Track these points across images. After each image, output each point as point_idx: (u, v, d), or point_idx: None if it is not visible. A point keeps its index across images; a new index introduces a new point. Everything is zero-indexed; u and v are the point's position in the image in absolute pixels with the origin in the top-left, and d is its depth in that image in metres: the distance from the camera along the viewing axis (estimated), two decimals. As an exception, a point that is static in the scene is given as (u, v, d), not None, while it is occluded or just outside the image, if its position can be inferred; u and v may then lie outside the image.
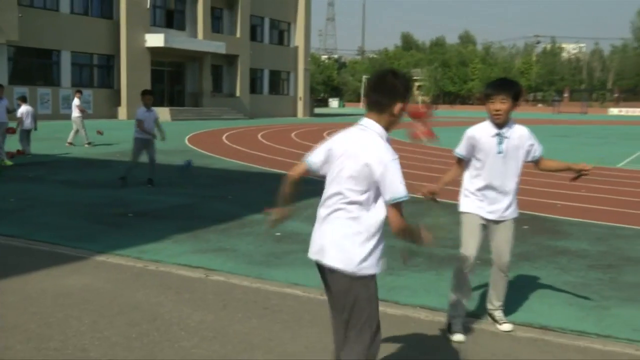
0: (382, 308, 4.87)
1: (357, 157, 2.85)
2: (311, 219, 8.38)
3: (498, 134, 4.29)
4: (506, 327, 4.51)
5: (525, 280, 5.77)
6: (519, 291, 5.40)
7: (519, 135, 4.32)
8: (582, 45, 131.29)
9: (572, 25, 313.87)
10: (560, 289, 5.49)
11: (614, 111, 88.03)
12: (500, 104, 4.22)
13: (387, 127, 2.91)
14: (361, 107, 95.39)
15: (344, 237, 2.88)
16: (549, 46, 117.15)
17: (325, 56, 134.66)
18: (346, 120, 45.48)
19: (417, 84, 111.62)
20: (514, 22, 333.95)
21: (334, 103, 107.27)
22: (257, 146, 20.14)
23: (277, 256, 6.45)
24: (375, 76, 2.92)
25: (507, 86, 4.28)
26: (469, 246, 4.37)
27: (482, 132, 4.33)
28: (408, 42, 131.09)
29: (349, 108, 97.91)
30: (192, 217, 8.40)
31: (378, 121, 2.90)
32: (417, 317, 4.75)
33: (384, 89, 2.86)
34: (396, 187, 2.77)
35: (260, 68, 51.77)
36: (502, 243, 4.44)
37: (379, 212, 2.87)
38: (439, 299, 5.13)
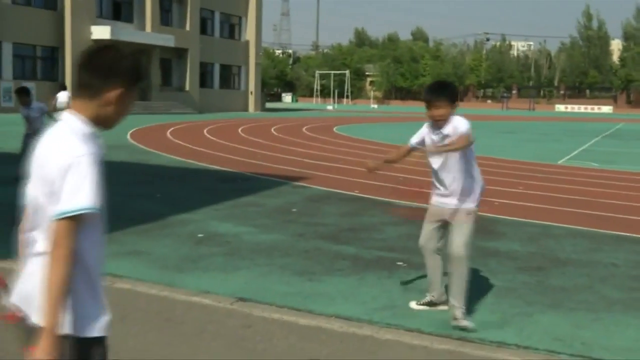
0: (294, 318, 4.55)
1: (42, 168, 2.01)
2: (238, 219, 8.05)
3: (438, 134, 4.48)
4: (461, 323, 4.43)
5: (450, 284, 5.51)
6: (441, 297, 5.13)
7: (453, 128, 4.38)
8: (530, 43, 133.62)
9: (521, 24, 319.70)
10: (486, 295, 5.24)
11: (560, 108, 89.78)
12: (437, 110, 4.38)
13: (96, 120, 2.08)
14: (314, 102, 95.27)
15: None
16: (498, 44, 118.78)
17: (280, 51, 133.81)
18: (298, 115, 45.12)
19: (369, 79, 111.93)
20: (465, 20, 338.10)
21: (287, 98, 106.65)
22: (201, 142, 19.63)
23: (193, 260, 6.05)
24: (88, 51, 2.11)
25: (443, 90, 4.44)
26: (422, 234, 4.75)
27: (428, 130, 4.62)
28: (361, 38, 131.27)
29: (302, 103, 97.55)
30: (111, 217, 7.91)
31: (82, 110, 2.06)
32: (329, 329, 4.42)
33: (98, 67, 2.07)
34: (72, 196, 1.92)
35: (210, 62, 50.92)
36: (452, 233, 4.54)
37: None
38: (357, 307, 4.82)
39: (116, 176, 11.23)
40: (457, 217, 4.51)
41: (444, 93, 4.38)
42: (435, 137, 4.50)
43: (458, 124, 4.34)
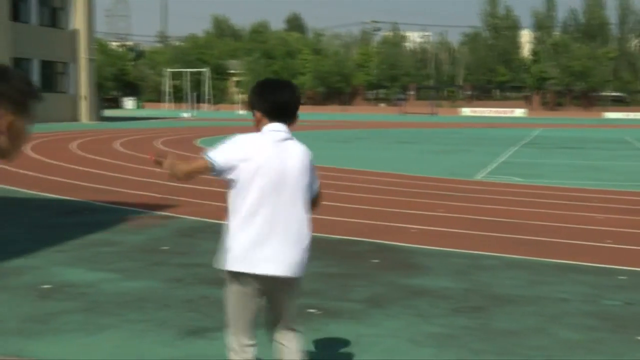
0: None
1: None
2: (92, 262, 7.78)
3: None
4: None
5: (377, 334, 5.59)
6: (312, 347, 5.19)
7: None
8: (428, 34, 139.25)
9: (416, 11, 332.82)
10: (424, 344, 5.36)
11: (467, 111, 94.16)
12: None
13: None
14: (166, 107, 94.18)
15: None
16: (390, 34, 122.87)
17: (117, 43, 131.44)
18: (146, 126, 44.38)
19: (234, 79, 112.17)
20: (349, 5, 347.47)
21: (128, 103, 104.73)
22: (23, 162, 18.82)
23: (41, 320, 5.77)
24: None
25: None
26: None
27: None
28: (222, 27, 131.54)
29: (150, 109, 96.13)
30: None
31: None
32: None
33: None
34: None
35: (26, 57, 49.11)
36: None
37: None
38: None
39: None
40: None
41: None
42: None
43: None
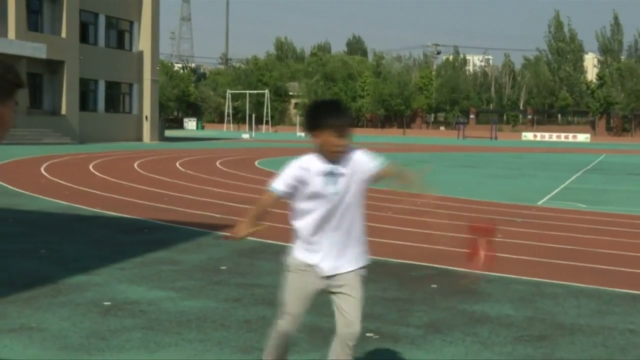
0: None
1: None
2: (152, 281, 7.85)
3: (331, 172, 4.24)
4: None
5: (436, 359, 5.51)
6: (430, 377, 5.11)
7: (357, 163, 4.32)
8: (489, 57, 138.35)
9: (478, 34, 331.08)
10: (483, 372, 5.26)
11: (528, 136, 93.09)
12: (344, 139, 4.20)
13: None
14: (225, 129, 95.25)
15: None
16: (451, 57, 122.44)
17: (180, 65, 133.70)
18: (207, 146, 44.90)
19: (294, 101, 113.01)
20: (411, 28, 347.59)
21: (190, 124, 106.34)
22: (88, 180, 19.21)
23: (102, 337, 5.84)
24: None
25: (348, 112, 4.39)
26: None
27: (311, 168, 4.27)
28: (283, 50, 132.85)
29: (210, 130, 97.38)
30: (-16, 282, 7.59)
31: None
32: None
33: None
34: None
35: (93, 78, 50.28)
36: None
37: None
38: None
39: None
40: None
41: (350, 115, 4.37)
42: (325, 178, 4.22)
43: (364, 157, 4.32)
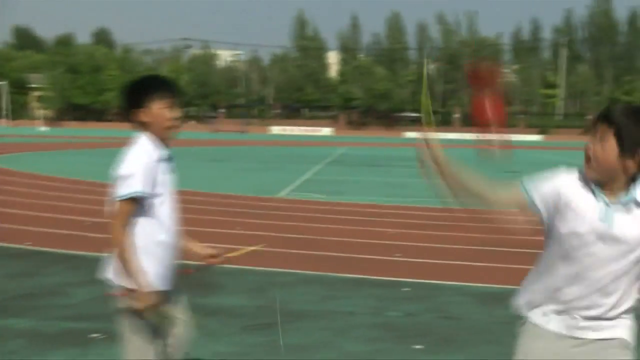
0: None
1: None
2: None
3: (169, 158, 3.85)
4: None
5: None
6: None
7: None
8: (239, 52, 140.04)
9: (227, 29, 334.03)
10: (209, 364, 5.32)
11: (276, 129, 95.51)
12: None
13: None
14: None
15: None
16: (200, 52, 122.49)
17: None
18: None
19: (36, 93, 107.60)
20: (161, 22, 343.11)
21: None
22: None
23: None
24: None
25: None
26: None
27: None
28: (25, 39, 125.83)
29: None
30: None
31: None
32: None
33: None
34: None
35: None
36: None
37: None
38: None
39: None
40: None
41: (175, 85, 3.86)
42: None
43: None
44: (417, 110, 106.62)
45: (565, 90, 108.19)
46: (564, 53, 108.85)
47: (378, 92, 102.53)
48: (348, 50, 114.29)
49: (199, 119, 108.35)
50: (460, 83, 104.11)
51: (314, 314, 6.81)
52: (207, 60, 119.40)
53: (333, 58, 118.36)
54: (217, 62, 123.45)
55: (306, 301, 7.29)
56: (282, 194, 17.62)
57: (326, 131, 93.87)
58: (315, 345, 5.85)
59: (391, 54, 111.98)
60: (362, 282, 8.24)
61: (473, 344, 5.99)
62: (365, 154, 41.77)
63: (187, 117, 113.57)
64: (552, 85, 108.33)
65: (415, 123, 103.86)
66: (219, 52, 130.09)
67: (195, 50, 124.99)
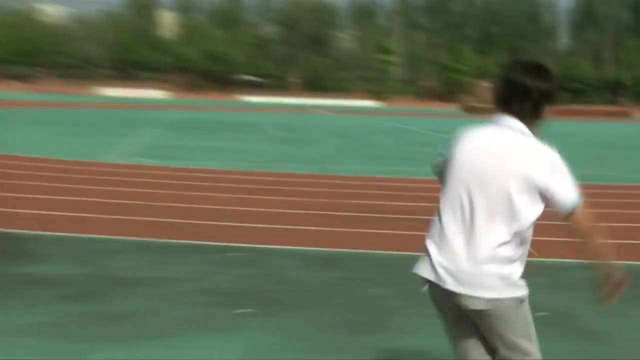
0: None
1: None
2: None
3: None
4: None
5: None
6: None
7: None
8: (70, 8, 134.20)
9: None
10: (29, 334, 5.10)
11: (105, 92, 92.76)
12: None
13: None
14: None
15: None
16: (22, 7, 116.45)
17: None
18: None
19: None
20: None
21: None
22: None
23: None
24: None
25: None
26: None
27: None
28: None
29: None
30: None
31: None
32: None
33: None
34: None
35: None
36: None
37: None
38: None
39: None
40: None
41: None
42: None
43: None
44: (254, 74, 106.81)
45: (401, 57, 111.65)
46: (400, 20, 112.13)
47: (215, 54, 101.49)
48: (183, 9, 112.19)
49: (20, 78, 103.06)
50: (299, 47, 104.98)
51: (140, 281, 6.67)
52: (28, 15, 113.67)
53: (168, 18, 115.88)
54: (43, 19, 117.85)
55: (132, 268, 7.14)
56: (110, 158, 17.15)
57: (160, 94, 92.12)
58: (141, 312, 5.74)
59: (228, 15, 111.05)
60: (191, 247, 8.16)
61: (303, 306, 6.07)
62: (200, 117, 41.38)
63: (10, 77, 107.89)
64: (388, 51, 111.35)
65: (253, 87, 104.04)
66: (42, 6, 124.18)
67: (16, 4, 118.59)
